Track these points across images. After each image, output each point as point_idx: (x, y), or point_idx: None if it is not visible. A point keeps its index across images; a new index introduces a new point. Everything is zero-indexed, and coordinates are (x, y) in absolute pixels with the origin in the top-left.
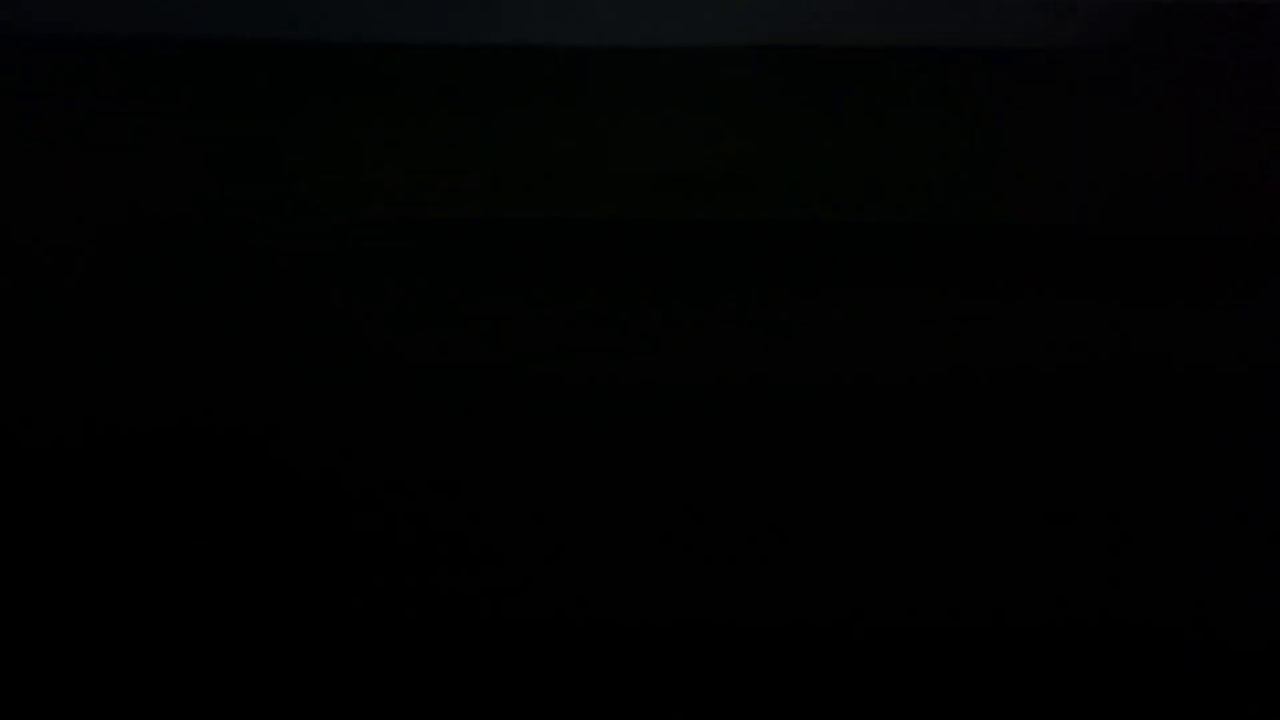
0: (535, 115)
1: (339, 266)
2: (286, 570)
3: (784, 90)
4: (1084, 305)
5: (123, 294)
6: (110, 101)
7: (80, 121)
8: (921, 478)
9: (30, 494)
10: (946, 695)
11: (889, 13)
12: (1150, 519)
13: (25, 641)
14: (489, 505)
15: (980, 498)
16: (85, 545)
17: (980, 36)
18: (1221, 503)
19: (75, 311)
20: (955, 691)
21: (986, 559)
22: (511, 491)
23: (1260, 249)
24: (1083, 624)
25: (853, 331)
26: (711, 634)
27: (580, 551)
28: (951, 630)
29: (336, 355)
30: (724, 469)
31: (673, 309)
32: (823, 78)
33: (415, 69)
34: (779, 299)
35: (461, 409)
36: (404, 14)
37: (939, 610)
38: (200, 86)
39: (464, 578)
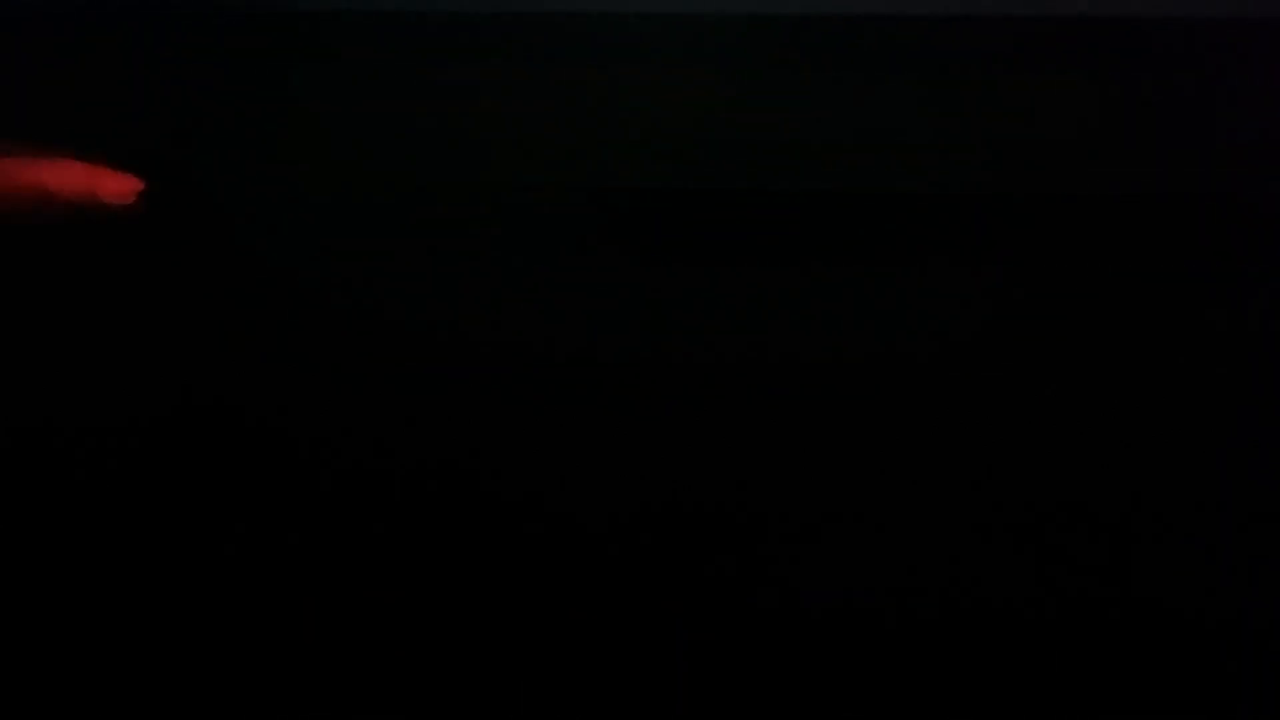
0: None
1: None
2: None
3: (786, 59)
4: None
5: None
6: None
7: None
8: (921, 453)
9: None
10: (949, 684)
11: None
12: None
13: (26, 637)
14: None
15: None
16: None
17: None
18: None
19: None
20: (957, 680)
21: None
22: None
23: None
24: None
25: (867, 305)
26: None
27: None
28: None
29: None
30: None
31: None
32: (821, 47)
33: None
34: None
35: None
36: None
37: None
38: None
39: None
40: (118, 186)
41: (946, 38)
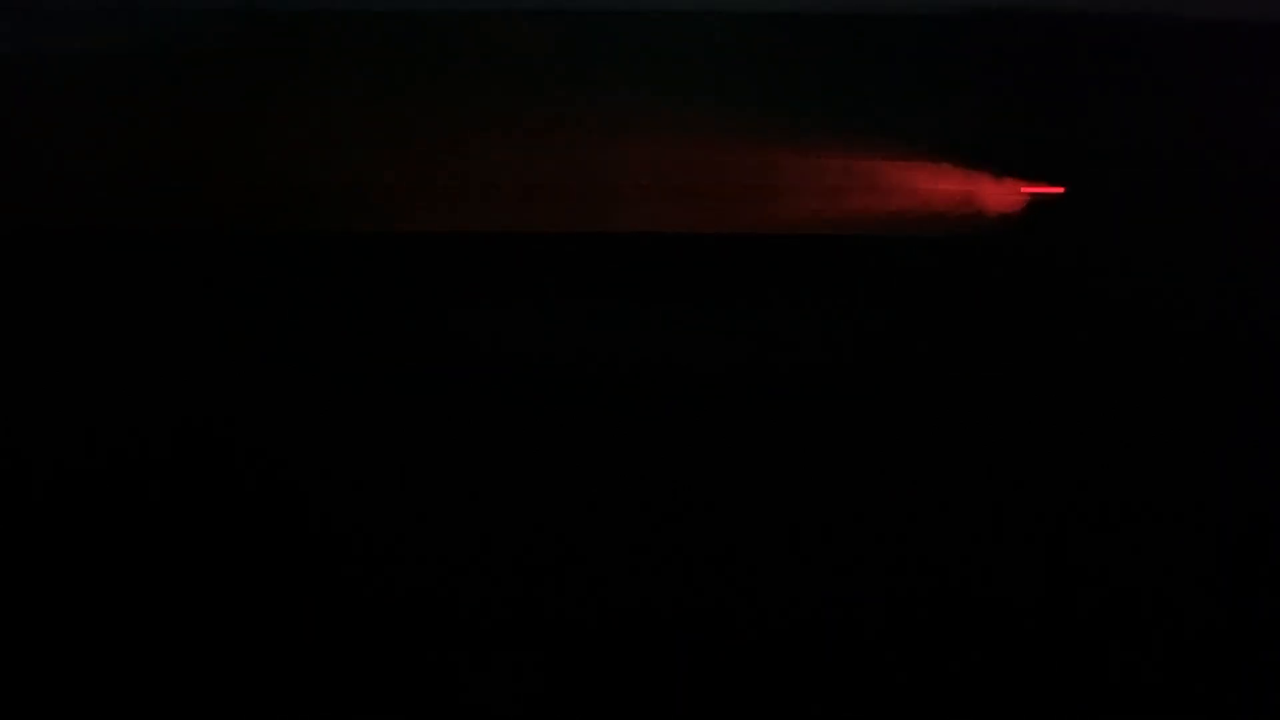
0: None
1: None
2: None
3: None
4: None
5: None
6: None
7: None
8: (917, 470)
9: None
10: (946, 677)
11: None
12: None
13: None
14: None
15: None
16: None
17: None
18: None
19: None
20: (955, 673)
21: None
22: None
23: None
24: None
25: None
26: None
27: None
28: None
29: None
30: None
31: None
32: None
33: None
34: None
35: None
36: None
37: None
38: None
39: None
40: (1001, 194)
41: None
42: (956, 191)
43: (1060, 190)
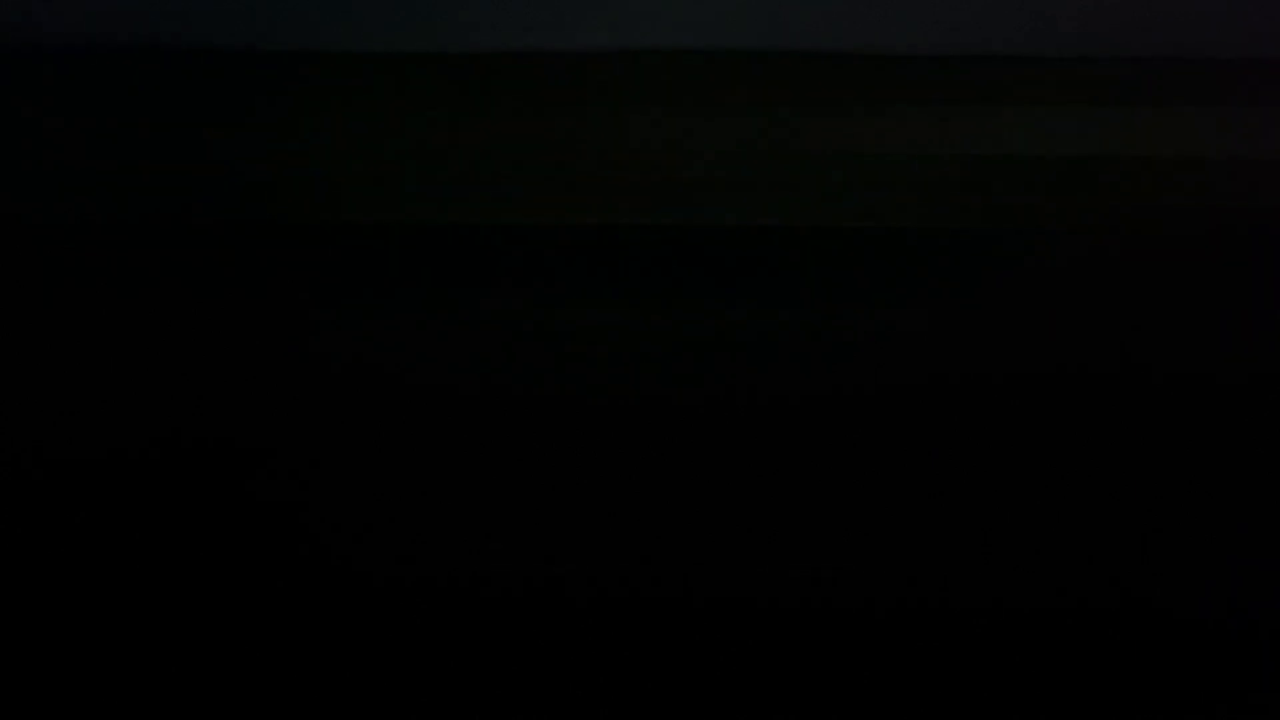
0: (539, 119)
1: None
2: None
3: (784, 94)
4: (1075, 307)
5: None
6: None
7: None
8: (919, 484)
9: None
10: (950, 677)
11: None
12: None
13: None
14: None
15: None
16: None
17: (975, 40)
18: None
19: (71, 317)
20: (960, 674)
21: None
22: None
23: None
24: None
25: (854, 338)
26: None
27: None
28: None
29: (321, 365)
30: (722, 480)
31: (678, 315)
32: (820, 82)
33: (415, 75)
34: (783, 306)
35: (459, 421)
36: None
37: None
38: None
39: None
40: None
41: (946, 74)
42: None
43: None
